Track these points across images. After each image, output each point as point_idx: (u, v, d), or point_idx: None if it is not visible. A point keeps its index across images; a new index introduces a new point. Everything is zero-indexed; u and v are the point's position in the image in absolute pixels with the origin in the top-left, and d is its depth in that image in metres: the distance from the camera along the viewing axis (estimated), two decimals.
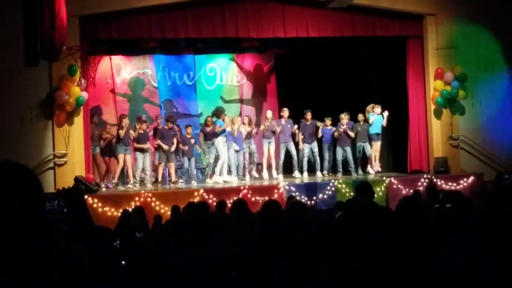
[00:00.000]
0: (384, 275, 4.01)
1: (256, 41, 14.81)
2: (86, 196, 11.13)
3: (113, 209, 11.10)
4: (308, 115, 14.09)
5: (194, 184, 13.49)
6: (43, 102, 12.18)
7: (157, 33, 13.21)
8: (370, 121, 13.88)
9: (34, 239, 1.65)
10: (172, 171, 13.50)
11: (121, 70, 15.51)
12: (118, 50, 14.82)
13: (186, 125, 14.08)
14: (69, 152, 12.14)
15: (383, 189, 12.45)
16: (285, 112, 14.08)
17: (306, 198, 11.92)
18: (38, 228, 1.67)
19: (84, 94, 12.25)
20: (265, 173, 13.95)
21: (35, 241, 1.65)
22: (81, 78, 12.20)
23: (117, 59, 15.40)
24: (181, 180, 13.89)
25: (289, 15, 13.55)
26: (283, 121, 14.00)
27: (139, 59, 15.67)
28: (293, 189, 12.06)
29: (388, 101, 15.03)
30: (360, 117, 14.16)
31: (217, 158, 13.35)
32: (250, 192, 11.80)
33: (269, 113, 14.07)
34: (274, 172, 13.99)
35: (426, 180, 12.72)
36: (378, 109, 13.91)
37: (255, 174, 14.24)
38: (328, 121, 14.14)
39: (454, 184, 12.78)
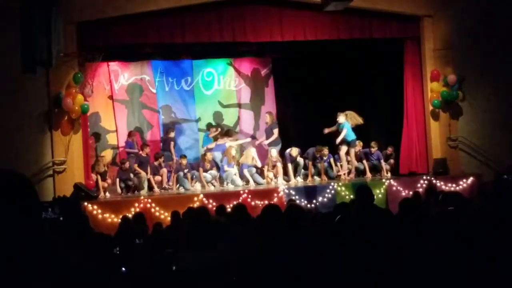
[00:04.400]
0: (385, 277, 4.00)
1: (253, 45, 14.82)
2: (86, 203, 11.12)
3: (113, 216, 11.08)
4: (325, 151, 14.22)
5: None
6: (41, 109, 12.16)
7: (154, 38, 13.24)
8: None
9: (30, 246, 1.64)
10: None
11: (119, 76, 15.50)
12: (115, 56, 14.81)
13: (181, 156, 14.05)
14: (68, 159, 12.12)
15: (382, 191, 12.45)
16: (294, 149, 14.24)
17: (305, 202, 11.91)
18: (33, 235, 1.66)
19: (88, 102, 12.37)
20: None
21: (30, 249, 1.64)
22: (87, 85, 12.30)
23: (114, 65, 15.39)
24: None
25: (286, 19, 13.57)
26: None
27: (136, 65, 15.66)
28: (293, 193, 12.05)
29: (387, 103, 15.06)
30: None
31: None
32: (249, 196, 11.78)
33: (273, 152, 14.09)
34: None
35: (426, 182, 12.71)
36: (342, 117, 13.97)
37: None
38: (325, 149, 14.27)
39: (454, 185, 12.78)
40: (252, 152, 14.15)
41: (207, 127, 15.37)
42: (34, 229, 1.64)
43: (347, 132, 13.82)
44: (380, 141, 14.66)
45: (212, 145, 14.67)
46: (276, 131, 14.13)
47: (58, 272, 1.75)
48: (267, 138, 14.38)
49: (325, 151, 14.12)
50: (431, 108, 14.05)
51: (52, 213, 8.19)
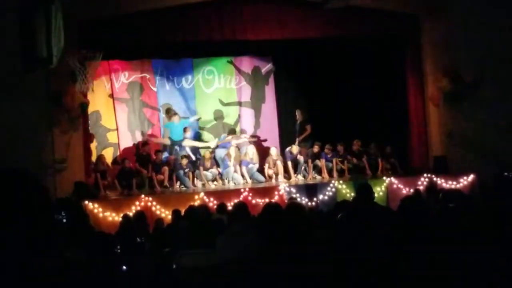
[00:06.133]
0: (385, 275, 4.01)
1: (253, 43, 14.82)
2: (86, 202, 11.12)
3: (114, 214, 11.08)
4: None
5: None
6: (41, 108, 12.15)
7: (155, 37, 13.25)
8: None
9: (39, 245, 1.65)
10: None
11: (120, 74, 15.51)
12: (116, 54, 14.82)
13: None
14: (69, 157, 12.12)
15: (383, 189, 12.45)
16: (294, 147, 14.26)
17: (306, 200, 11.92)
18: (43, 234, 1.66)
19: (87, 100, 12.38)
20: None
21: (39, 247, 1.64)
22: (84, 83, 12.29)
23: (115, 64, 15.39)
24: None
25: (286, 17, 13.58)
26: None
27: (137, 64, 15.66)
28: (293, 191, 12.06)
29: (387, 101, 15.04)
30: None
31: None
32: (250, 194, 11.79)
33: (273, 150, 14.17)
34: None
35: (426, 180, 12.70)
36: None
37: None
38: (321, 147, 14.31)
39: (454, 183, 12.77)
40: (251, 149, 14.18)
41: (229, 133, 15.28)
42: (44, 230, 1.65)
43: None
44: (381, 139, 14.63)
45: (213, 143, 14.76)
46: (309, 127, 14.32)
47: (60, 270, 1.76)
48: (300, 134, 14.61)
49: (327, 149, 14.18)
50: (431, 106, 14.03)
51: (57, 214, 8.15)
